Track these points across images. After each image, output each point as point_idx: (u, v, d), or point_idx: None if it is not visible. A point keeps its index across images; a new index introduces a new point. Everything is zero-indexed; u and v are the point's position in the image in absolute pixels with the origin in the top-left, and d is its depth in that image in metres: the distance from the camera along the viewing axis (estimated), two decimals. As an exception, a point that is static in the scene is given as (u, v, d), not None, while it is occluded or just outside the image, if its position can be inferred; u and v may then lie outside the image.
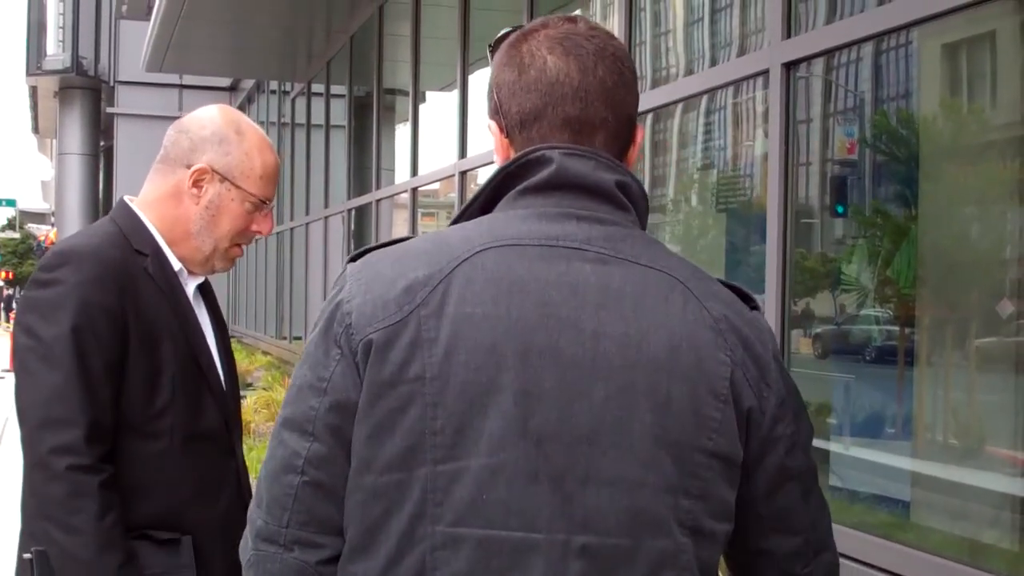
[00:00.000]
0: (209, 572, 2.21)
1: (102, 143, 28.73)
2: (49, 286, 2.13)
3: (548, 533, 1.26)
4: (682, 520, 1.30)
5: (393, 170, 11.25)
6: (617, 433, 1.27)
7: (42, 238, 46.01)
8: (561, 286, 1.30)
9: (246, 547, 1.37)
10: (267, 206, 2.32)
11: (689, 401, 1.29)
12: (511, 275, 1.29)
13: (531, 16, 7.08)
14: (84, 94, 27.37)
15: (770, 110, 4.22)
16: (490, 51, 1.49)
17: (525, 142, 1.39)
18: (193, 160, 2.26)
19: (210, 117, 2.31)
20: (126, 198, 2.35)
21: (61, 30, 27.40)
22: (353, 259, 1.40)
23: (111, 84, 25.74)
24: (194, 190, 2.27)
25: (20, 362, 2.12)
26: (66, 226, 27.06)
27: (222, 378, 2.33)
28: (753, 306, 1.42)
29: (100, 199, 28.74)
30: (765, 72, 4.27)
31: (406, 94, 10.38)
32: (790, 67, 4.12)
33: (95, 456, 2.06)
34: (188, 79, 17.78)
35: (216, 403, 2.27)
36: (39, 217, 63.37)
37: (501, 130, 1.42)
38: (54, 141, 34.47)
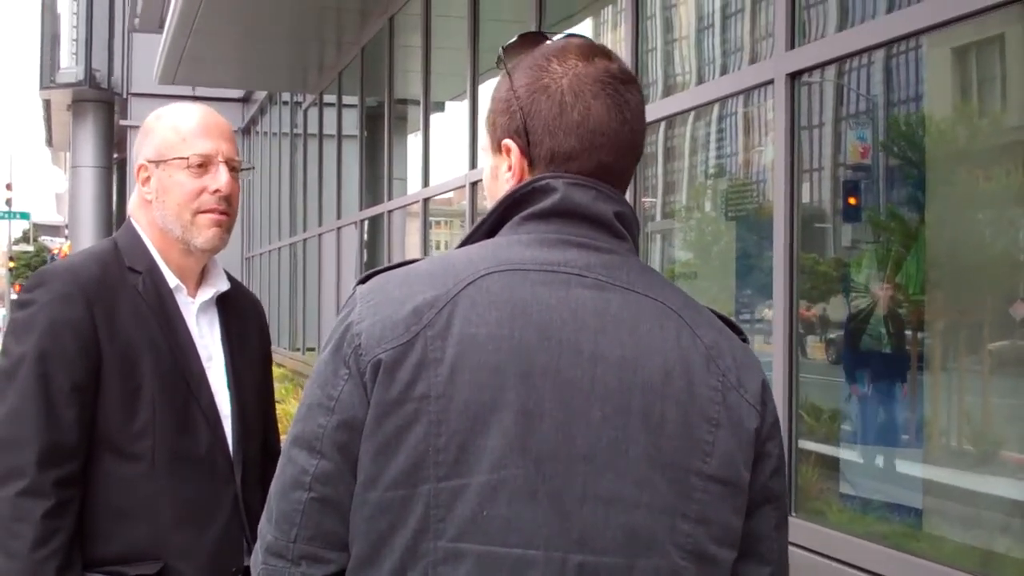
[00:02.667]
0: None
1: (115, 155, 28.82)
2: (24, 307, 2.14)
3: (546, 550, 1.29)
4: (681, 543, 1.33)
5: (405, 180, 11.28)
6: (613, 453, 1.31)
7: (56, 251, 46.13)
8: (562, 310, 1.34)
9: (256, 560, 1.41)
10: (214, 162, 2.25)
11: (682, 424, 1.33)
12: (514, 298, 1.33)
13: (539, 27, 7.09)
14: (97, 107, 27.43)
15: (775, 120, 4.23)
16: (504, 56, 1.50)
17: (545, 172, 1.43)
18: (136, 165, 2.29)
19: (145, 122, 2.34)
20: (133, 215, 2.35)
21: (75, 43, 27.47)
22: (362, 281, 1.44)
23: (124, 96, 25.81)
24: (145, 189, 2.28)
25: None
26: (80, 238, 27.12)
27: (228, 399, 2.27)
28: (743, 338, 1.47)
29: (114, 211, 28.83)
30: (770, 82, 4.28)
31: (416, 104, 10.41)
32: (795, 77, 4.13)
33: (48, 480, 2.03)
34: (201, 91, 17.82)
35: (208, 425, 2.22)
36: (53, 230, 63.57)
37: (523, 154, 1.44)
38: (68, 154, 34.61)
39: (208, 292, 2.34)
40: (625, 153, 1.44)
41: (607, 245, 1.40)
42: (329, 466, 1.34)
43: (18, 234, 66.36)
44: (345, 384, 1.34)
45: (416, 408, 1.30)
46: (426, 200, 9.94)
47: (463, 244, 1.45)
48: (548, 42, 1.49)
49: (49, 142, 42.78)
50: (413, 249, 10.91)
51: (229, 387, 2.29)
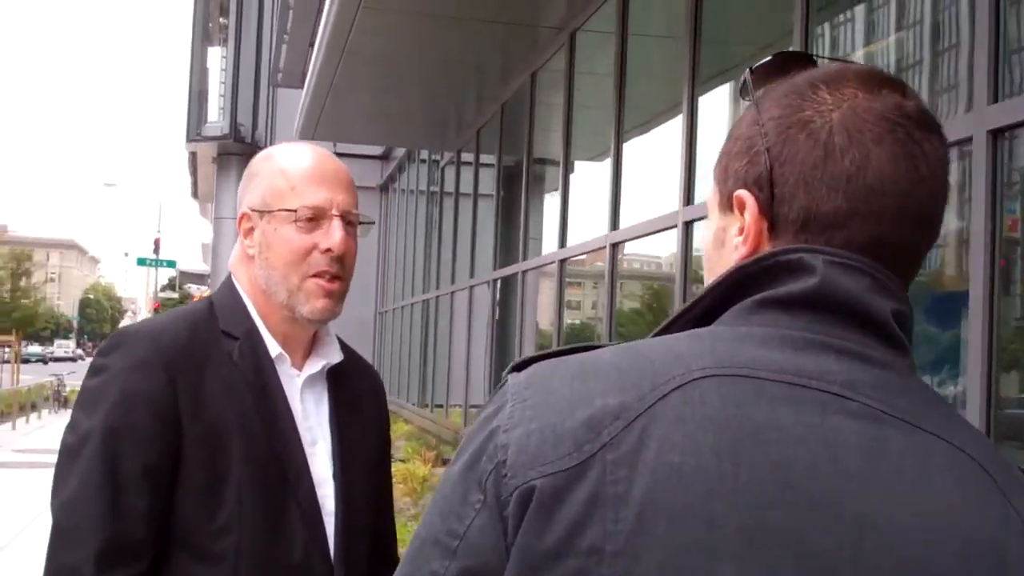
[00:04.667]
0: None
1: (256, 208, 29.40)
2: (97, 374, 1.82)
3: None
4: None
5: (541, 240, 11.01)
6: None
7: (196, 298, 47.35)
8: (813, 445, 0.92)
9: None
10: (327, 216, 1.89)
11: None
12: (741, 418, 0.92)
13: (692, 88, 6.75)
14: (241, 160, 27.99)
15: (974, 181, 3.77)
16: (752, 81, 1.11)
17: (794, 242, 1.02)
18: (239, 214, 1.97)
19: (251, 162, 2.02)
20: (233, 271, 2.02)
21: (222, 98, 28.22)
22: (517, 368, 1.03)
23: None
24: (247, 242, 1.94)
25: (57, 458, 1.81)
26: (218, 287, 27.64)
27: (332, 493, 1.90)
28: None
29: (253, 263, 29.35)
30: (968, 140, 3.83)
31: (555, 163, 10.18)
32: (997, 134, 3.68)
33: None
34: (341, 146, 17.98)
35: (306, 525, 1.85)
36: (198, 278, 65.41)
37: (763, 212, 1.04)
38: (212, 205, 35.49)
39: (316, 364, 1.98)
40: (915, 224, 1.02)
41: (879, 356, 0.98)
42: None
43: (164, 281, 68.59)
44: (476, 517, 0.95)
45: (581, 567, 0.90)
46: (562, 261, 9.65)
47: (663, 331, 1.04)
48: (815, 68, 1.09)
49: (195, 194, 44.05)
50: (547, 310, 10.61)
51: (335, 479, 1.92)
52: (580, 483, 0.91)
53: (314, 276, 1.89)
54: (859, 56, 5.37)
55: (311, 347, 2.00)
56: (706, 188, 1.15)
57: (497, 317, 12.50)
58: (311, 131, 15.25)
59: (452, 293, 14.79)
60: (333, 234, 1.88)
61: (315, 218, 1.89)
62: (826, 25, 5.54)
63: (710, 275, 1.09)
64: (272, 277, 1.91)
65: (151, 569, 1.76)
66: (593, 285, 10.09)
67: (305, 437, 1.90)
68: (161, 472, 1.76)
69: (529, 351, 11.52)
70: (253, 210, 1.93)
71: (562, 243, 9.71)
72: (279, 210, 1.89)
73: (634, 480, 0.90)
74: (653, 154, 8.16)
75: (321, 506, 1.88)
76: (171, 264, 51.44)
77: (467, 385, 13.60)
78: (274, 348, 1.92)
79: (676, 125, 7.10)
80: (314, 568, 1.85)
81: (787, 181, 1.01)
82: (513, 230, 11.83)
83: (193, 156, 32.97)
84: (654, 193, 7.74)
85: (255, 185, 1.95)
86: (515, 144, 11.97)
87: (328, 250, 1.88)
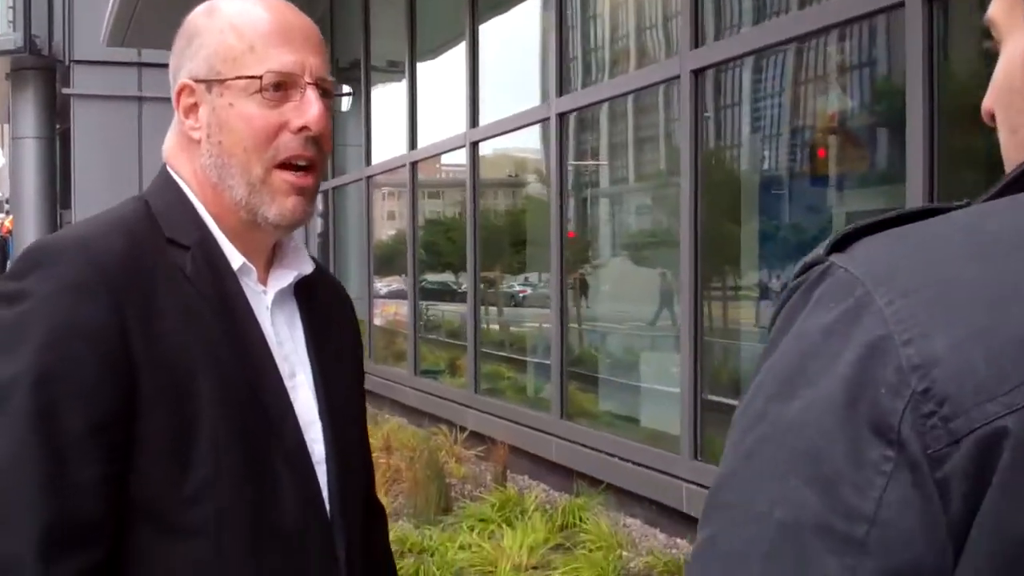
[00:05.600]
0: None
1: (58, 125, 27.91)
2: (13, 302, 1.34)
3: None
4: None
5: (375, 147, 10.49)
6: None
7: (-3, 226, 44.95)
8: None
9: None
10: (299, 84, 1.46)
11: None
12: None
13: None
14: (37, 75, 26.52)
15: None
16: None
17: None
18: (175, 86, 1.51)
19: (187, 19, 1.54)
20: (170, 162, 1.54)
21: (11, 10, 26.47)
22: (838, 246, 0.70)
23: (66, 64, 24.90)
24: (190, 122, 1.50)
25: None
26: (22, 213, 26.31)
27: (320, 435, 1.51)
28: None
29: (58, 183, 27.94)
30: None
31: (381, 68, 9.67)
32: None
33: (58, 575, 1.29)
34: (148, 56, 16.95)
35: (296, 478, 1.46)
36: (-8, 205, 62.28)
37: None
38: (7, 126, 33.57)
39: (286, 276, 1.56)
40: None
41: None
42: None
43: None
44: (890, 485, 0.61)
45: None
46: (414, 164, 9.23)
47: (1004, 191, 0.72)
48: None
49: (-14, 114, 41.61)
50: (392, 221, 10.12)
51: (321, 417, 1.53)
52: None
53: (281, 167, 1.47)
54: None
55: (273, 255, 1.57)
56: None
57: (334, 232, 11.99)
58: (120, 38, 14.31)
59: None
60: (308, 108, 1.47)
61: (283, 86, 1.46)
62: None
63: (1006, 113, 0.78)
64: (227, 167, 1.47)
65: (111, 552, 1.35)
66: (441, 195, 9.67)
67: (283, 368, 1.50)
68: (113, 430, 1.33)
69: (374, 266, 11.05)
70: (197, 80, 1.48)
71: (412, 145, 9.22)
72: (235, 78, 1.45)
73: None
74: (513, 42, 7.75)
75: (311, 452, 1.50)
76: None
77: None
78: (236, 259, 1.49)
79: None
80: (310, 532, 1.48)
81: None
82: (349, 137, 11.29)
83: (-17, 73, 30.94)
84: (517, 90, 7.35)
85: (196, 48, 1.49)
86: (348, 44, 11.37)
87: (303, 128, 1.46)
